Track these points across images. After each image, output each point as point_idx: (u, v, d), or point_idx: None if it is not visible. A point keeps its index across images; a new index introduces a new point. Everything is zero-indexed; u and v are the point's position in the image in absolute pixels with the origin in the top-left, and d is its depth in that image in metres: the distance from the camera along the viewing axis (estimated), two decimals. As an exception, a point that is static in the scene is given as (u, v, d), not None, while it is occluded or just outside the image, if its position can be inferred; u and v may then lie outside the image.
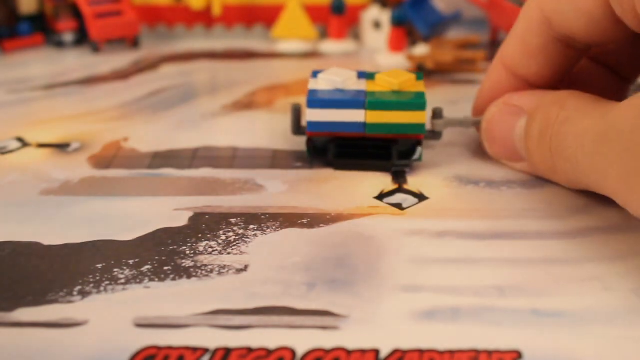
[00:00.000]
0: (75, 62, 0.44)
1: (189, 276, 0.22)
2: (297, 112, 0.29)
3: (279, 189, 0.27)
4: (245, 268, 0.22)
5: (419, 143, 0.28)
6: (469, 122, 0.30)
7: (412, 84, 0.29)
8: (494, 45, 0.46)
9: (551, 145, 0.24)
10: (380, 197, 0.27)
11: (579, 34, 0.26)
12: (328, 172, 0.29)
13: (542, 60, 0.28)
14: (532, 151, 0.26)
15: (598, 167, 0.22)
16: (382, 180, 0.28)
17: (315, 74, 0.29)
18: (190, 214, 0.25)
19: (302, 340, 0.19)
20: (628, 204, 0.21)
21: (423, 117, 0.28)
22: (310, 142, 0.29)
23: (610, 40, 0.26)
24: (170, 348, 0.19)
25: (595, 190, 0.23)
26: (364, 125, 0.28)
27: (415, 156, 0.29)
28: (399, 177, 0.28)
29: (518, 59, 0.28)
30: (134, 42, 0.47)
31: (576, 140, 0.23)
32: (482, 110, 0.30)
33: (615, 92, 0.30)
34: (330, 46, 0.47)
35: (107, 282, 0.21)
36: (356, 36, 0.49)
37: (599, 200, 0.25)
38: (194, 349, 0.19)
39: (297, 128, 0.29)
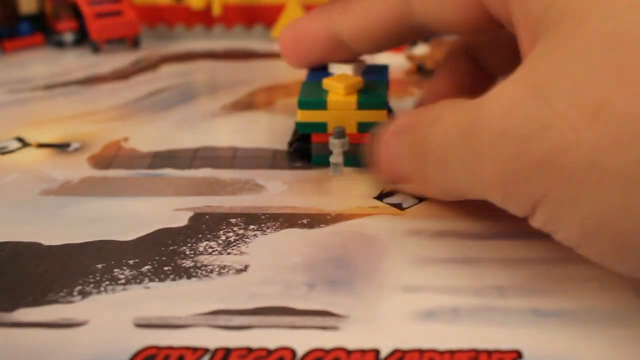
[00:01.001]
0: (75, 62, 0.44)
1: (189, 276, 0.22)
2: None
3: (279, 189, 0.27)
4: (245, 268, 0.22)
5: None
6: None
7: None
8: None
9: (422, 150, 0.23)
10: (380, 197, 0.27)
11: (442, 23, 0.25)
12: (328, 172, 0.29)
13: (384, 42, 0.28)
14: (407, 165, 0.24)
15: (468, 165, 0.20)
16: (382, 180, 0.28)
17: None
18: (190, 214, 0.25)
19: (302, 340, 0.19)
20: (506, 202, 0.20)
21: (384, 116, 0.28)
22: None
23: (476, 30, 0.25)
24: (170, 348, 0.19)
25: (468, 196, 0.22)
26: None
27: None
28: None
29: (355, 33, 0.28)
30: (134, 42, 0.47)
31: (443, 138, 0.21)
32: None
33: (484, 88, 0.29)
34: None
35: (107, 282, 0.21)
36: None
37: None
38: (194, 349, 0.19)
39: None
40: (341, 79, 0.28)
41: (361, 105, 0.28)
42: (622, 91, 0.17)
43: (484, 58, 0.30)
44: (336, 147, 0.28)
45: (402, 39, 0.28)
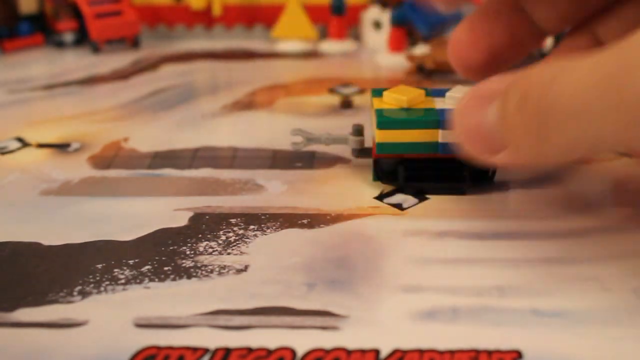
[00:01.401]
0: (75, 62, 0.44)
1: (189, 276, 0.22)
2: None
3: (279, 189, 0.27)
4: (245, 268, 0.22)
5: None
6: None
7: (421, 101, 0.27)
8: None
9: (539, 109, 0.21)
10: (380, 197, 0.27)
11: None
12: (328, 172, 0.29)
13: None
14: (512, 128, 0.22)
15: (623, 104, 0.19)
16: (382, 180, 0.28)
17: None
18: (190, 214, 0.26)
19: (302, 340, 0.19)
20: None
21: None
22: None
23: None
24: (170, 348, 0.19)
25: (602, 147, 0.21)
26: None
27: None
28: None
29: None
30: (134, 42, 0.47)
31: (581, 87, 0.20)
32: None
33: (534, 44, 0.28)
34: (330, 46, 0.47)
35: (107, 282, 0.21)
36: (356, 36, 0.49)
37: (599, 200, 0.25)
38: (194, 349, 0.19)
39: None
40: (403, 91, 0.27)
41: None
42: None
43: (537, 12, 0.27)
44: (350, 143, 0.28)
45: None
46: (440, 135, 0.26)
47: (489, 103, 0.23)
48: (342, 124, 0.32)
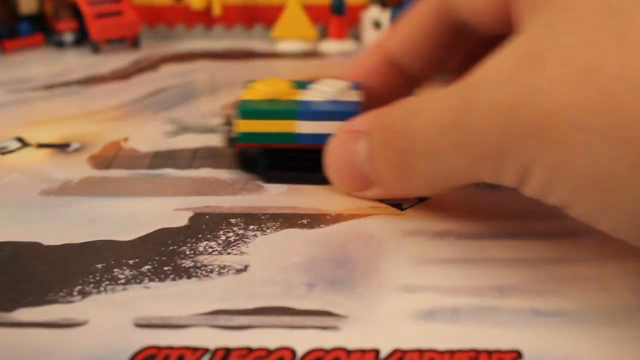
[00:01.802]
0: (75, 62, 0.44)
1: (189, 276, 0.22)
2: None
3: (279, 189, 0.27)
4: (245, 268, 0.22)
5: None
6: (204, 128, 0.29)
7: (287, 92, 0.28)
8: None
9: (397, 148, 0.22)
10: (380, 197, 0.27)
11: (476, 14, 0.25)
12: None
13: (432, 50, 0.27)
14: (378, 166, 0.24)
15: (461, 145, 0.20)
16: (382, 180, 0.28)
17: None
18: (190, 214, 0.26)
19: (302, 340, 0.19)
20: (499, 173, 0.20)
21: None
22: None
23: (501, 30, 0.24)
24: (170, 348, 0.19)
25: (455, 182, 0.22)
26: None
27: None
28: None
29: (403, 46, 0.28)
30: (134, 42, 0.47)
31: (430, 126, 0.21)
32: None
33: (405, 92, 0.29)
34: (330, 46, 0.47)
35: (107, 282, 0.21)
36: (356, 36, 0.49)
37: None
38: (194, 349, 0.19)
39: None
40: (269, 83, 0.28)
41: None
42: (617, 53, 0.17)
43: (408, 63, 0.29)
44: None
45: (448, 44, 0.27)
46: (297, 126, 0.27)
47: (357, 142, 0.25)
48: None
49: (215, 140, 0.32)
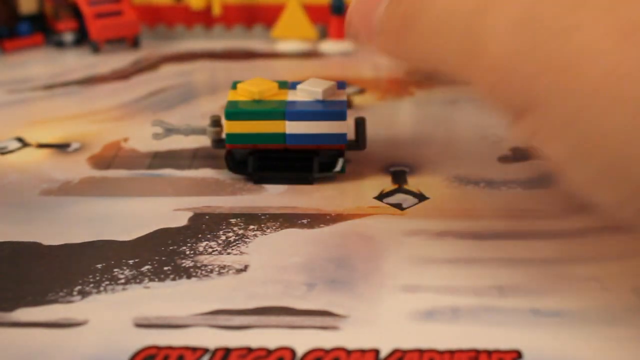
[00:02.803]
0: (75, 62, 0.44)
1: (189, 276, 0.22)
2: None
3: (279, 189, 0.27)
4: (245, 268, 0.22)
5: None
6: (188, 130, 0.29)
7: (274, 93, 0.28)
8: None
9: (410, 10, 0.21)
10: (380, 197, 0.27)
11: None
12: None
13: None
14: (387, 18, 0.22)
15: (469, 44, 0.18)
16: (382, 181, 0.28)
17: (234, 85, 0.28)
18: (190, 214, 0.25)
19: (302, 340, 0.19)
20: (498, 88, 0.18)
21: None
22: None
23: None
24: (170, 348, 0.19)
25: (448, 71, 0.20)
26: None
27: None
28: (399, 177, 0.28)
29: None
30: (134, 42, 0.47)
31: (441, 13, 0.19)
32: None
33: None
34: (330, 46, 0.47)
35: (107, 282, 0.21)
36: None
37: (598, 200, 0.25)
38: (194, 349, 0.19)
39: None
40: (255, 84, 0.28)
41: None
42: None
43: None
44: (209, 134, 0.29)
45: None
46: (286, 127, 0.27)
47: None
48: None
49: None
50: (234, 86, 0.28)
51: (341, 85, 0.29)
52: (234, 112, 0.27)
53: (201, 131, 0.29)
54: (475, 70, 0.19)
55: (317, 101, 0.27)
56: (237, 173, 0.28)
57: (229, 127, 0.27)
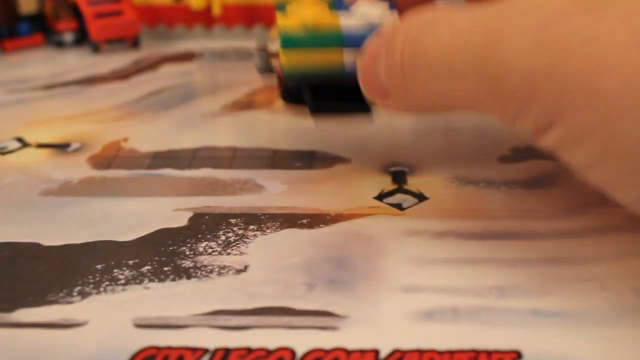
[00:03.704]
0: (75, 62, 0.44)
1: (189, 276, 0.22)
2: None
3: (279, 189, 0.27)
4: (245, 268, 0.22)
5: None
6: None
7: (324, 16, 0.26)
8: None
9: (410, 60, 0.21)
10: (380, 197, 0.27)
11: None
12: (328, 172, 0.29)
13: None
14: (391, 75, 0.22)
15: (486, 76, 0.19)
16: (382, 180, 0.28)
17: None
18: (190, 214, 0.25)
19: (302, 340, 0.19)
20: (522, 115, 0.18)
21: None
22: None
23: None
24: (170, 348, 0.19)
25: (466, 107, 0.20)
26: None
27: None
28: (399, 177, 0.28)
29: None
30: (134, 42, 0.47)
31: (450, 45, 0.19)
32: None
33: None
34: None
35: (107, 283, 0.21)
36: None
37: (598, 199, 0.25)
38: (194, 349, 0.19)
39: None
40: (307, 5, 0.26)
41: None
42: None
43: None
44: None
45: None
46: (345, 55, 0.25)
47: (383, 48, 0.23)
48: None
49: (214, 140, 0.32)
50: (282, 8, 0.26)
51: (392, 5, 0.27)
52: (290, 39, 0.24)
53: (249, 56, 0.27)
54: (496, 99, 0.19)
55: (375, 25, 0.25)
56: (293, 103, 0.26)
57: (285, 59, 0.25)
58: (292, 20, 0.26)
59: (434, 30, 0.20)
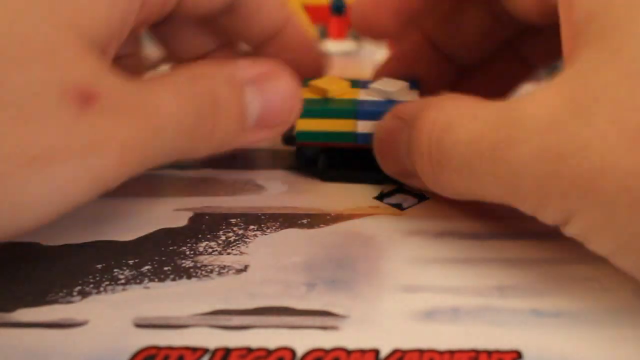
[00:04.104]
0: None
1: (189, 276, 0.22)
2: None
3: (279, 189, 0.27)
4: (245, 268, 0.22)
5: None
6: None
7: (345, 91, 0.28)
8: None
9: (431, 154, 0.22)
10: (380, 197, 0.27)
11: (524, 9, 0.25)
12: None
13: (472, 32, 0.28)
14: (417, 161, 0.23)
15: (499, 177, 0.20)
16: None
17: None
18: (190, 214, 0.26)
19: (302, 340, 0.19)
20: (538, 212, 0.20)
21: None
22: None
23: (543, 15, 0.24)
24: (170, 348, 0.19)
25: (490, 200, 0.21)
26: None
27: None
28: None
29: (444, 28, 0.28)
30: (134, 42, 0.47)
31: (467, 147, 0.21)
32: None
33: (445, 77, 0.30)
34: (330, 46, 0.47)
35: (107, 283, 0.21)
36: (356, 36, 0.49)
37: None
38: (194, 349, 0.19)
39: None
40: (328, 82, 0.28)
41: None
42: None
43: (447, 46, 0.30)
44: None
45: (485, 28, 0.28)
46: (358, 126, 0.27)
47: (403, 131, 0.24)
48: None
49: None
50: (306, 83, 0.28)
51: (414, 84, 0.28)
52: (307, 109, 0.26)
53: None
54: (515, 199, 0.20)
55: (390, 100, 0.27)
56: (308, 170, 0.28)
57: (301, 124, 0.27)
58: (312, 93, 0.28)
59: (454, 130, 0.22)
